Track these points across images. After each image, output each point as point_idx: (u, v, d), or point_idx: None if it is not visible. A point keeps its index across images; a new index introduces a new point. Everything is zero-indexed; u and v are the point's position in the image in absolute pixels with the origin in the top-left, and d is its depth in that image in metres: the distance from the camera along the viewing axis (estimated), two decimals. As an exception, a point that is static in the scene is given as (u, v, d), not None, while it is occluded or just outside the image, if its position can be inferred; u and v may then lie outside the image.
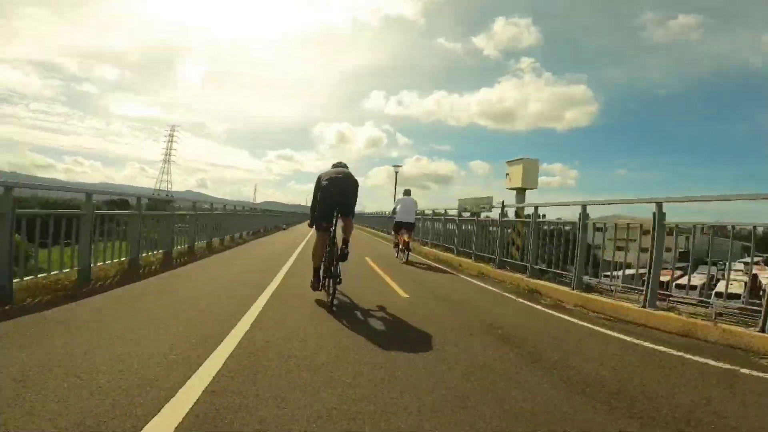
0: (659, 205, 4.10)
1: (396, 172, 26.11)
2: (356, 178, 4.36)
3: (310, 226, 4.40)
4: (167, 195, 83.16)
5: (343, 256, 4.11)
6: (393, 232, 9.54)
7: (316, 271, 4.23)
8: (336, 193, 4.11)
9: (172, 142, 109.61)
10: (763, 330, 3.06)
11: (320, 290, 4.19)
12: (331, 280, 4.00)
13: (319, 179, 4.28)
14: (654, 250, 4.02)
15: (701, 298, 4.06)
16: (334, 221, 4.11)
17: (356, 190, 4.30)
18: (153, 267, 5.76)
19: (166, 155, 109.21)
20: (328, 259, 4.04)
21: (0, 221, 3.29)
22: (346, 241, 4.18)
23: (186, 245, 7.77)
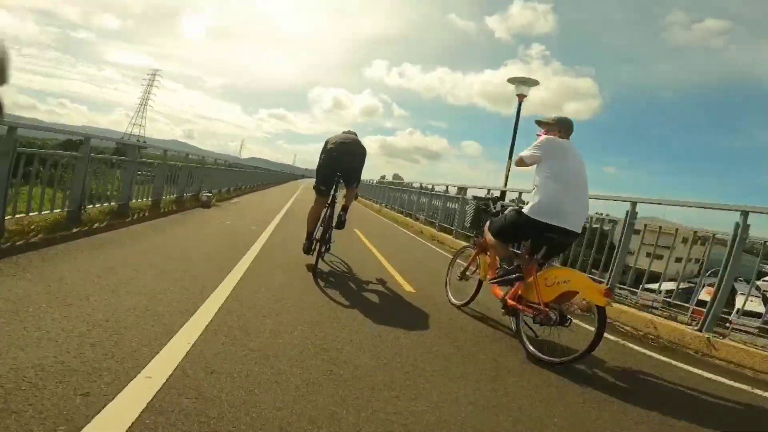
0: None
1: (521, 99, 9.63)
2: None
3: (315, 189, 4.37)
4: (138, 140, 79.59)
5: (340, 224, 4.19)
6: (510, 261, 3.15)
7: (309, 234, 4.18)
8: (340, 158, 4.05)
9: (152, 86, 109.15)
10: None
11: (311, 254, 4.10)
12: (321, 245, 3.99)
13: (326, 143, 4.21)
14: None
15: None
16: (334, 187, 4.08)
17: (363, 158, 4.21)
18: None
19: (143, 99, 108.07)
20: (325, 225, 4.06)
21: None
22: (345, 208, 4.24)
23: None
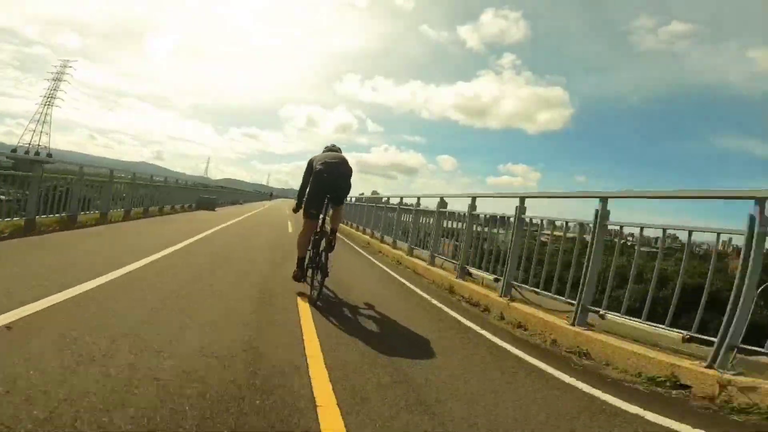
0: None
1: None
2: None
3: (296, 211, 4.45)
4: (38, 153, 67.14)
5: (330, 247, 4.11)
6: None
7: (300, 261, 4.25)
8: (329, 179, 4.08)
9: (60, 81, 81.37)
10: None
11: (303, 282, 4.19)
12: (318, 272, 3.96)
13: (311, 162, 4.25)
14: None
15: None
16: (324, 209, 4.10)
17: (350, 177, 4.27)
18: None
19: (47, 96, 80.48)
20: (315, 248, 4.05)
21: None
22: (333, 231, 4.23)
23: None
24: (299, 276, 4.23)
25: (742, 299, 2.44)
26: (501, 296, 4.47)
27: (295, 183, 4.52)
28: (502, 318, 4.21)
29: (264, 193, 64.73)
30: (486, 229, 5.81)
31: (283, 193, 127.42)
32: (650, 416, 2.19)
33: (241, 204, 29.92)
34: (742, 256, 2.53)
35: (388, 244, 9.28)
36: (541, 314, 3.86)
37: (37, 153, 63.58)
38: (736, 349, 2.43)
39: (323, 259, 3.96)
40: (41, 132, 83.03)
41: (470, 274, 5.59)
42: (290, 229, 11.60)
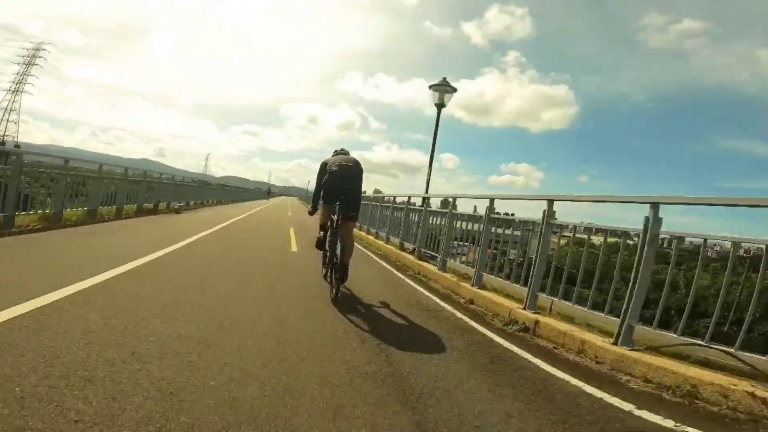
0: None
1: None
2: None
3: (311, 213, 5.02)
4: (3, 143, 64.67)
5: (345, 275, 4.24)
6: None
7: (322, 226, 4.68)
8: (342, 181, 4.32)
9: (31, 65, 78.00)
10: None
11: (324, 250, 4.74)
12: (335, 272, 4.21)
13: (324, 165, 4.51)
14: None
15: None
16: (336, 208, 4.37)
17: (361, 177, 4.50)
18: None
19: (15, 83, 76.83)
20: (331, 249, 4.46)
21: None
22: (345, 265, 4.24)
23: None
24: (320, 245, 4.68)
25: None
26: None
27: (296, 181, 4.20)
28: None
29: (260, 191, 52.85)
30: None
31: (285, 191, 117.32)
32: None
33: (176, 212, 12.82)
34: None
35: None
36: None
37: (2, 143, 61.02)
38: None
39: (339, 262, 4.19)
40: (8, 120, 78.70)
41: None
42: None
